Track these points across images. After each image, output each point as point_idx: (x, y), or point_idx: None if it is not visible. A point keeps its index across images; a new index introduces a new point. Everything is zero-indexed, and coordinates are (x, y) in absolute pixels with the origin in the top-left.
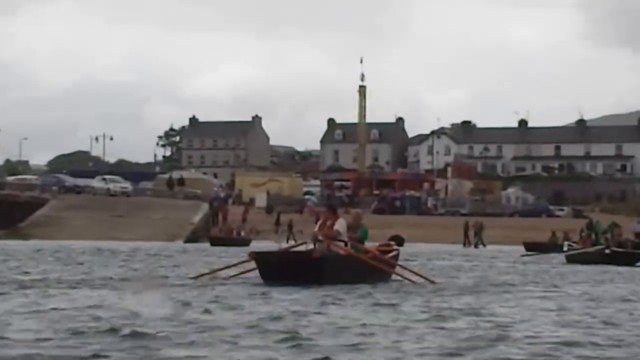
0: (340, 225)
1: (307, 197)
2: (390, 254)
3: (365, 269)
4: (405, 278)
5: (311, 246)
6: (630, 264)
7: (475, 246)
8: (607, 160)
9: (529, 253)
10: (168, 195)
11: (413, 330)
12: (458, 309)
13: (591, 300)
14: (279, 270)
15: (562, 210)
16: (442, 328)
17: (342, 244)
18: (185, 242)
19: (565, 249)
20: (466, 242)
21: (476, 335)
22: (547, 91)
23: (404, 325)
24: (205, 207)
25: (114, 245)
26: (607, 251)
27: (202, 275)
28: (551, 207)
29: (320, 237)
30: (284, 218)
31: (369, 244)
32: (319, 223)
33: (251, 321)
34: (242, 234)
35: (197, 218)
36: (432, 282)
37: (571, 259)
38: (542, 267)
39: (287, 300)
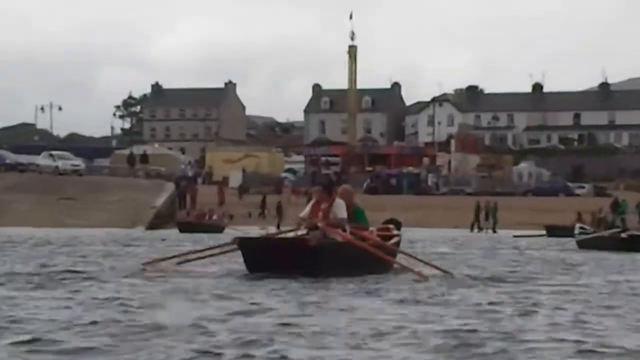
0: (340, 208)
1: (284, 175)
2: (392, 241)
3: (366, 259)
4: (410, 269)
5: (301, 232)
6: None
7: (494, 231)
8: (633, 130)
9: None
10: (127, 174)
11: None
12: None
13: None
14: (268, 260)
15: (583, 187)
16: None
17: (340, 230)
18: (148, 228)
19: (576, 232)
20: (475, 226)
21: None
22: (564, 51)
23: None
24: (170, 187)
25: (61, 233)
26: (623, 235)
27: (155, 261)
28: (570, 185)
29: (319, 224)
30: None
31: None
32: (310, 205)
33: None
34: (215, 217)
35: (160, 200)
36: (447, 272)
37: (583, 245)
38: (550, 254)
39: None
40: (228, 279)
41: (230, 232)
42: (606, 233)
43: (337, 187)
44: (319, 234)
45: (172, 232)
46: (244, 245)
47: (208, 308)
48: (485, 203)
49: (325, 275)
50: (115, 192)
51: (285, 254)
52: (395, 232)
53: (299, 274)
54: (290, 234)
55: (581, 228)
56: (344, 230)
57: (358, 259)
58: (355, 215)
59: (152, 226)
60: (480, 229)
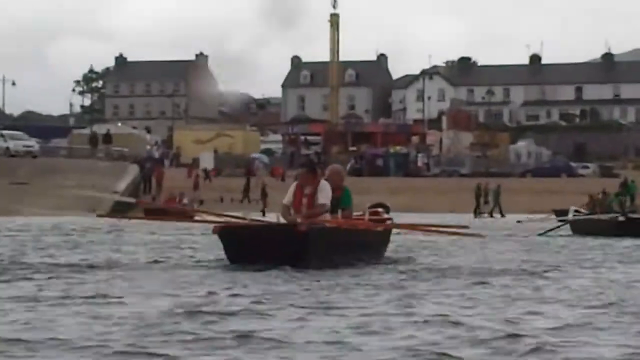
0: (324, 191)
1: (255, 155)
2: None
3: (359, 246)
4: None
5: (282, 220)
6: None
7: (502, 215)
8: None
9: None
10: (87, 155)
11: None
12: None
13: None
14: (253, 249)
15: (587, 167)
16: None
17: (327, 215)
18: (108, 215)
19: (570, 215)
20: (478, 211)
21: None
22: (564, 19)
23: None
24: (134, 170)
25: (11, 221)
26: (620, 219)
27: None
28: (573, 164)
29: (298, 219)
30: (236, 183)
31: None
32: (292, 189)
33: None
34: (186, 201)
35: (123, 184)
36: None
37: (577, 229)
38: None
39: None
40: (206, 270)
41: (201, 219)
42: (602, 216)
43: (322, 168)
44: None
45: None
46: (225, 233)
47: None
48: (485, 185)
49: (315, 265)
50: (73, 175)
51: (272, 242)
52: (386, 216)
53: (286, 264)
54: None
55: (576, 211)
56: (323, 214)
57: (349, 245)
58: (343, 199)
59: (111, 213)
60: (482, 213)
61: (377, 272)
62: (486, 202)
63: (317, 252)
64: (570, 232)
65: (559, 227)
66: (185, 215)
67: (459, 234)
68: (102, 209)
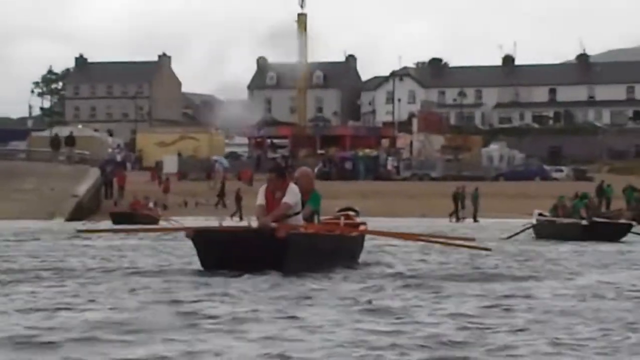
0: (292, 194)
1: (215, 158)
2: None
3: (336, 251)
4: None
5: (254, 224)
6: (614, 238)
7: (475, 219)
8: (615, 107)
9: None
10: (48, 159)
11: None
12: None
13: None
14: (228, 255)
15: (561, 171)
16: None
17: (297, 219)
18: (68, 220)
19: (533, 220)
20: (457, 215)
21: None
22: (538, 19)
23: None
24: (95, 173)
25: None
26: (584, 222)
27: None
28: (547, 168)
29: (272, 225)
30: (201, 187)
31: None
32: (261, 192)
33: None
34: (151, 205)
35: (83, 188)
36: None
37: (540, 234)
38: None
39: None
40: (178, 276)
41: (166, 224)
42: (565, 220)
43: (290, 171)
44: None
45: (103, 224)
46: (200, 238)
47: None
48: (462, 189)
49: (291, 271)
50: (31, 179)
51: (248, 247)
52: (359, 220)
53: (262, 269)
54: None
55: (540, 215)
56: (287, 217)
57: (324, 251)
58: (311, 202)
59: (73, 217)
60: (464, 218)
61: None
62: (463, 207)
63: (295, 258)
64: (533, 236)
65: (523, 231)
66: (153, 219)
67: (466, 247)
68: (61, 214)
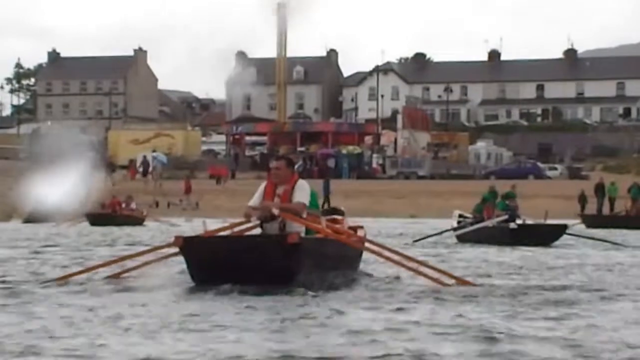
0: (302, 191)
1: (153, 154)
2: (360, 234)
3: (341, 258)
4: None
5: (248, 227)
6: (546, 242)
7: None
8: (605, 104)
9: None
10: (11, 157)
11: None
12: None
13: None
14: (224, 266)
15: (555, 169)
16: None
17: (323, 221)
18: (26, 221)
19: (454, 223)
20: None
21: None
22: (524, 13)
23: None
24: None
25: None
26: (512, 225)
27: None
28: (541, 165)
29: (275, 211)
30: (177, 186)
31: None
32: (261, 189)
33: None
34: (134, 206)
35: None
36: (463, 282)
37: (463, 238)
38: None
39: None
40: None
41: (153, 225)
42: (490, 223)
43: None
44: (274, 227)
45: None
46: (191, 246)
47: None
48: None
49: (300, 283)
50: None
51: (251, 256)
52: (357, 224)
53: (267, 283)
54: (238, 229)
55: (461, 216)
56: (302, 218)
57: (333, 257)
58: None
59: (30, 219)
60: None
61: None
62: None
63: (305, 269)
64: (455, 241)
65: (439, 234)
66: (136, 219)
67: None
68: (19, 215)
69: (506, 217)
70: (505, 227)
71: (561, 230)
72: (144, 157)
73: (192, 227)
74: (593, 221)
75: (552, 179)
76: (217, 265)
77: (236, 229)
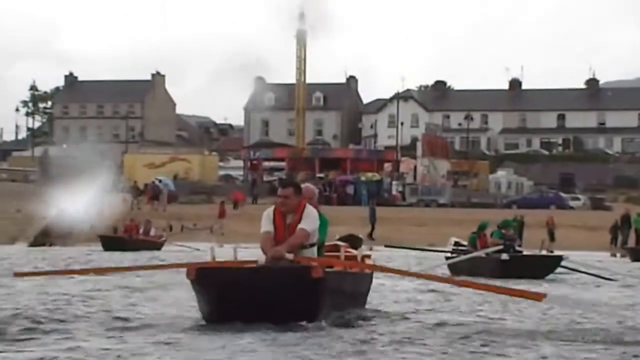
0: (311, 219)
1: (160, 178)
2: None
3: (353, 291)
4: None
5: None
6: (540, 275)
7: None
8: (626, 134)
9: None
10: (21, 180)
11: None
12: None
13: None
14: (242, 301)
15: (578, 199)
16: None
17: (313, 252)
18: (32, 245)
19: (449, 250)
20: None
21: None
22: (546, 42)
23: None
24: None
25: None
26: (504, 256)
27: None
28: (563, 195)
29: (289, 256)
30: (194, 210)
31: None
32: (267, 216)
33: None
34: (153, 232)
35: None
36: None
37: (455, 268)
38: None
39: None
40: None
41: (172, 249)
42: (482, 253)
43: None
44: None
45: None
46: (204, 278)
47: None
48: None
49: (322, 319)
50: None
51: (269, 290)
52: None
53: (287, 321)
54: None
55: (457, 244)
56: (302, 247)
57: (348, 290)
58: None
59: (38, 243)
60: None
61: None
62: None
63: (328, 305)
64: (447, 272)
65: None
66: (153, 245)
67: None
68: (25, 238)
69: (501, 247)
70: (496, 258)
71: (556, 262)
72: (153, 182)
73: (222, 252)
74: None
75: (575, 209)
76: (232, 301)
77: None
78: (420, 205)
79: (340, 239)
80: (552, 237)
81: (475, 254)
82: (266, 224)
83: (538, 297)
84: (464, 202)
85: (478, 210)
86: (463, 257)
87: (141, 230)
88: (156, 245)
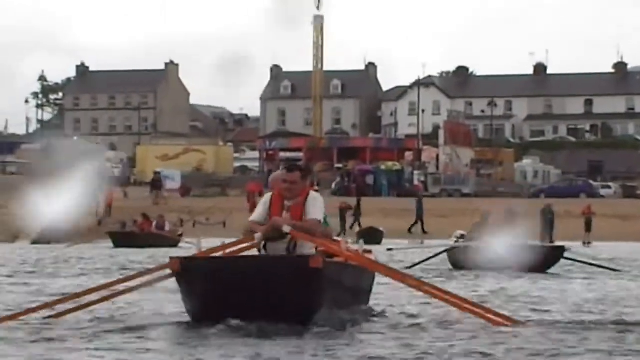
0: (316, 205)
1: (164, 172)
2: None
3: (356, 288)
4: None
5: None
6: (540, 268)
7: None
8: None
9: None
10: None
11: None
12: None
13: None
14: (231, 297)
15: (609, 187)
16: None
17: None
18: (34, 242)
19: (452, 242)
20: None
21: None
22: (572, 26)
23: None
24: None
25: None
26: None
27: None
28: (593, 184)
29: (286, 229)
30: (206, 204)
31: None
32: (265, 200)
33: None
34: (168, 227)
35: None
36: (512, 321)
37: (456, 261)
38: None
39: None
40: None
41: (185, 247)
42: (482, 244)
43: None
44: (281, 248)
45: (99, 248)
46: (189, 271)
47: None
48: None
49: (321, 318)
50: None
51: (263, 285)
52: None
53: (283, 320)
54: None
55: (462, 237)
56: (316, 237)
57: (351, 286)
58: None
59: (40, 240)
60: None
61: None
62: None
63: (328, 300)
64: (449, 266)
65: (432, 257)
66: (169, 241)
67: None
68: (27, 236)
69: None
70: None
71: (558, 254)
72: (155, 173)
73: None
74: None
75: (605, 198)
76: (221, 296)
77: (231, 249)
78: (444, 195)
79: (359, 231)
80: (588, 228)
81: (475, 245)
82: (258, 211)
83: (504, 321)
84: (489, 192)
85: (504, 201)
86: (467, 246)
87: (167, 227)
88: (171, 242)
